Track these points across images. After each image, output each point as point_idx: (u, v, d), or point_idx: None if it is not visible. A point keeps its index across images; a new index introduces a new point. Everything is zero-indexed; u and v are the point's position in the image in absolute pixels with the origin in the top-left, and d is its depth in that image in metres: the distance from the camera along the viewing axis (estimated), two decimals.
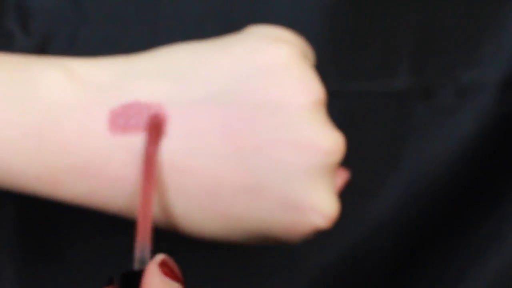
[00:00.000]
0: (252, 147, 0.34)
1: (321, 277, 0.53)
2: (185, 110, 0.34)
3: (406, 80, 0.51)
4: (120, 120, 0.34)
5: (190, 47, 0.36)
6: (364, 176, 0.51)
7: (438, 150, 0.52)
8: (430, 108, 0.52)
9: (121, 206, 0.36)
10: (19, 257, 0.49)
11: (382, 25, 0.50)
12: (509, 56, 0.52)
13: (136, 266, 0.32)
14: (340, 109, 0.50)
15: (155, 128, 0.34)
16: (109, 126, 0.34)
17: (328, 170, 0.35)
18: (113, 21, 0.47)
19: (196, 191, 0.35)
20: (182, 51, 0.36)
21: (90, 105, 0.34)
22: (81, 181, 0.35)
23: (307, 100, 0.34)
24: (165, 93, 0.35)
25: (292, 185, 0.34)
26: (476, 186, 0.53)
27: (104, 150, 0.34)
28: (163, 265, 0.30)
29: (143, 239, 0.32)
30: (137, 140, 0.35)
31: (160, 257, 0.31)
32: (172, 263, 0.31)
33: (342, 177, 0.38)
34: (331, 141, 0.34)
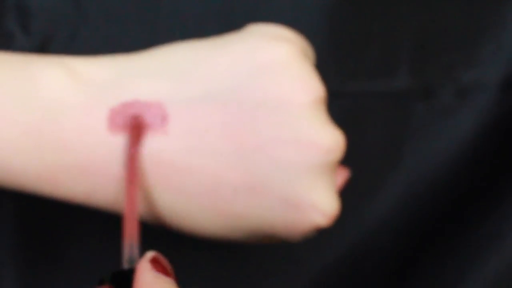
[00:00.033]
0: (253, 146, 0.34)
1: (321, 277, 0.53)
2: (185, 109, 0.34)
3: (406, 80, 0.51)
4: (119, 118, 0.34)
5: (190, 45, 0.36)
6: (364, 176, 0.51)
7: (438, 150, 0.52)
8: (430, 108, 0.52)
9: (121, 205, 0.36)
10: (19, 257, 0.49)
11: (382, 25, 0.50)
12: (509, 56, 0.52)
13: (125, 265, 0.32)
14: (340, 109, 0.50)
15: (136, 129, 0.34)
16: (108, 125, 0.34)
17: (328, 168, 0.35)
18: (113, 21, 0.47)
19: (196, 189, 0.35)
20: (182, 50, 0.36)
21: (90, 104, 0.34)
22: (81, 179, 0.35)
23: (307, 98, 0.34)
24: (165, 92, 0.35)
25: (293, 183, 0.34)
26: (476, 186, 0.53)
27: (104, 149, 0.34)
28: (154, 261, 0.30)
29: (130, 238, 0.32)
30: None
31: (150, 254, 0.31)
32: (162, 259, 0.31)
33: (343, 175, 0.38)
34: (331, 139, 0.34)
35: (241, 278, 0.53)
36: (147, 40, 0.46)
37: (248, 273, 0.53)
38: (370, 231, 0.53)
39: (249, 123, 0.34)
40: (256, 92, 0.34)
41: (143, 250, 0.32)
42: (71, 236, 0.50)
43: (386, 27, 0.50)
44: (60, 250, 0.50)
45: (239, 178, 0.34)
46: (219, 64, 0.35)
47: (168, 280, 0.30)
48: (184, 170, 0.35)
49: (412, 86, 0.51)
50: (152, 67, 0.35)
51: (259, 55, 0.35)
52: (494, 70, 0.52)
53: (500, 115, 0.52)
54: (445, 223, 0.54)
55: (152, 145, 0.34)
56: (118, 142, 0.35)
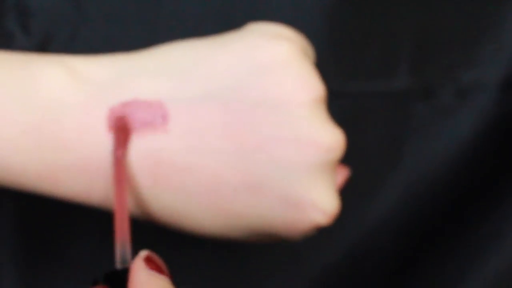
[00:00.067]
0: (253, 145, 0.34)
1: (321, 277, 0.53)
2: (186, 108, 0.34)
3: (406, 80, 0.51)
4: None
5: (190, 44, 0.36)
6: (364, 176, 0.51)
7: (438, 150, 0.52)
8: (430, 108, 0.52)
9: None
10: (19, 256, 0.49)
11: (382, 25, 0.50)
12: (509, 56, 0.52)
13: (118, 265, 0.32)
14: (340, 109, 0.50)
15: (122, 131, 0.34)
16: (108, 124, 0.34)
17: (328, 167, 0.35)
18: (113, 21, 0.47)
19: (196, 189, 0.35)
20: (182, 49, 0.36)
21: (90, 103, 0.34)
22: (81, 178, 0.35)
23: (308, 97, 0.34)
24: (165, 91, 0.35)
25: (293, 182, 0.34)
26: (476, 186, 0.53)
27: (104, 148, 0.34)
28: (148, 260, 0.30)
29: (122, 239, 0.32)
30: (136, 138, 0.35)
31: (144, 252, 0.31)
32: (156, 258, 0.31)
33: (343, 174, 0.38)
34: (331, 138, 0.34)
35: (241, 278, 0.53)
36: (147, 40, 0.46)
37: (248, 273, 0.53)
38: (370, 231, 0.53)
39: (249, 122, 0.34)
40: (256, 91, 0.34)
41: (143, 250, 0.32)
42: (71, 235, 0.50)
43: (386, 27, 0.50)
44: (60, 249, 0.50)
45: (239, 177, 0.34)
46: (219, 63, 0.35)
47: (162, 278, 0.30)
48: (184, 169, 0.35)
49: (412, 86, 0.51)
50: (152, 66, 0.35)
51: (259, 54, 0.35)
52: (494, 70, 0.52)
53: (500, 115, 0.52)
54: (445, 223, 0.54)
55: (152, 144, 0.34)
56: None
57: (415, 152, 0.52)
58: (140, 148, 0.34)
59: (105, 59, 0.36)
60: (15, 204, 0.48)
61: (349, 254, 0.53)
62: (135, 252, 0.31)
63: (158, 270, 0.30)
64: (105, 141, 0.34)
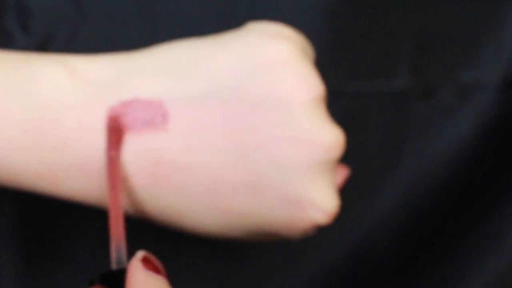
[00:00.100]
0: (253, 144, 0.34)
1: (321, 277, 0.53)
2: (186, 107, 0.34)
3: (406, 80, 0.51)
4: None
5: (190, 43, 0.36)
6: (364, 176, 0.51)
7: (438, 150, 0.52)
8: (430, 108, 0.52)
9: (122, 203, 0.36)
10: (19, 257, 0.49)
11: (382, 25, 0.50)
12: (509, 56, 0.52)
13: (113, 265, 0.32)
14: (340, 109, 0.50)
15: (115, 132, 0.34)
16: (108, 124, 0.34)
17: (328, 166, 0.35)
18: (113, 21, 0.47)
19: (197, 188, 0.35)
20: (182, 48, 0.36)
21: (90, 103, 0.34)
22: (81, 178, 0.35)
23: (307, 96, 0.34)
24: (165, 90, 0.35)
25: (292, 181, 0.34)
26: (476, 186, 0.53)
27: (103, 147, 0.34)
28: (145, 260, 0.30)
29: (117, 240, 0.32)
30: (136, 137, 0.35)
31: (141, 253, 0.31)
32: (153, 258, 0.31)
33: (342, 173, 0.38)
34: (331, 137, 0.34)
35: (241, 278, 0.53)
36: (147, 40, 0.46)
37: (248, 273, 0.53)
38: (370, 231, 0.53)
39: (249, 121, 0.34)
40: (256, 90, 0.34)
41: (139, 250, 0.32)
42: (71, 235, 0.50)
43: (386, 27, 0.50)
44: (60, 249, 0.50)
45: (239, 176, 0.34)
46: (219, 62, 0.35)
47: (160, 278, 0.30)
48: (184, 168, 0.35)
49: (412, 86, 0.51)
50: (152, 65, 0.35)
51: (259, 53, 0.35)
52: (494, 70, 0.52)
53: (500, 115, 0.52)
54: (445, 223, 0.54)
55: (152, 144, 0.34)
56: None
57: (415, 152, 0.52)
58: (140, 147, 0.34)
59: (105, 58, 0.36)
60: (15, 204, 0.48)
61: (349, 254, 0.53)
62: (132, 253, 0.31)
63: (155, 270, 0.30)
64: (103, 140, 0.34)
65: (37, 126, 0.34)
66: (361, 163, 0.50)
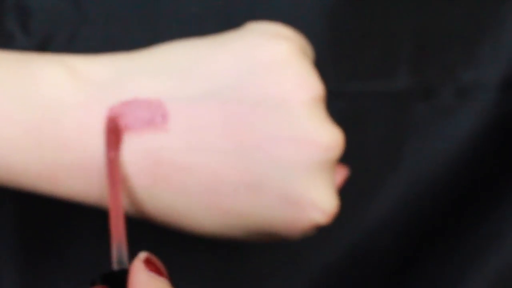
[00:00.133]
0: (252, 144, 0.34)
1: (321, 277, 0.53)
2: (185, 107, 0.34)
3: (406, 80, 0.51)
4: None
5: (190, 43, 0.36)
6: (364, 176, 0.51)
7: (438, 150, 0.52)
8: (430, 108, 0.52)
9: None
10: (19, 256, 0.49)
11: (382, 25, 0.50)
12: (509, 56, 0.52)
13: (114, 266, 0.32)
14: (340, 109, 0.50)
15: (113, 132, 0.34)
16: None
17: (327, 166, 0.35)
18: (113, 21, 0.47)
19: (197, 188, 0.35)
20: (182, 48, 0.36)
21: (90, 103, 0.34)
22: (81, 178, 0.35)
23: (307, 96, 0.34)
24: (165, 90, 0.35)
25: (292, 181, 0.34)
26: (476, 186, 0.53)
27: (103, 147, 0.34)
28: (147, 262, 0.30)
29: (118, 240, 0.32)
30: (136, 137, 0.35)
31: (143, 254, 0.31)
32: (155, 259, 0.31)
33: (342, 173, 0.38)
34: (330, 137, 0.34)
35: (241, 278, 0.53)
36: (147, 40, 0.46)
37: (248, 273, 0.53)
38: (370, 231, 0.53)
39: (248, 121, 0.34)
40: (255, 90, 0.34)
41: (143, 251, 0.32)
42: (71, 235, 0.50)
43: (386, 27, 0.50)
44: (60, 249, 0.50)
45: (239, 176, 0.34)
46: (219, 62, 0.35)
47: (162, 279, 0.30)
48: (184, 168, 0.35)
49: (412, 86, 0.51)
50: (152, 65, 0.35)
51: (259, 53, 0.35)
52: (494, 70, 0.52)
53: (500, 115, 0.52)
54: (445, 223, 0.54)
55: (152, 144, 0.34)
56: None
57: (415, 152, 0.52)
58: (139, 147, 0.34)
59: (105, 58, 0.36)
60: (15, 204, 0.48)
61: (349, 254, 0.53)
62: (133, 253, 0.31)
63: (157, 272, 0.30)
64: (104, 140, 0.34)
65: (37, 126, 0.34)
66: (361, 163, 0.50)
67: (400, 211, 0.52)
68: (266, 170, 0.34)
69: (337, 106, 0.50)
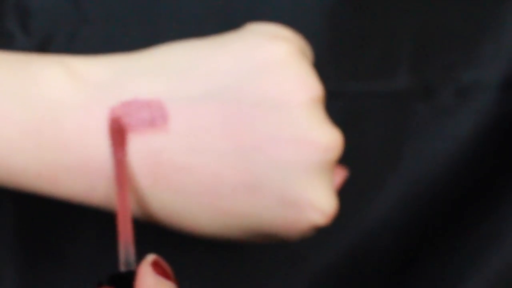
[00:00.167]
0: (251, 144, 0.34)
1: (321, 277, 0.53)
2: (185, 107, 0.34)
3: (406, 80, 0.51)
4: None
5: (190, 44, 0.36)
6: (364, 176, 0.51)
7: (438, 150, 0.52)
8: (430, 108, 0.52)
9: None
10: (19, 257, 0.49)
11: (382, 25, 0.50)
12: (509, 56, 0.52)
13: (122, 268, 0.32)
14: (340, 109, 0.50)
15: (118, 132, 0.34)
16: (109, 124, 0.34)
17: (326, 167, 0.35)
18: (113, 21, 0.47)
19: (196, 188, 0.35)
20: (182, 49, 0.36)
21: (90, 103, 0.34)
22: (81, 179, 0.35)
23: (306, 97, 0.34)
24: (165, 91, 0.35)
25: (291, 182, 0.34)
26: (476, 186, 0.53)
27: (105, 148, 0.34)
28: (155, 265, 0.30)
29: (125, 241, 0.32)
30: (136, 138, 0.35)
31: (151, 257, 0.31)
32: (163, 262, 0.31)
33: (341, 175, 0.38)
34: (329, 138, 0.34)
35: (241, 278, 0.53)
36: (147, 40, 0.46)
37: (248, 273, 0.53)
38: (370, 231, 0.53)
39: (248, 122, 0.34)
40: (255, 91, 0.34)
41: (143, 251, 0.32)
42: (71, 235, 0.50)
43: (386, 27, 0.50)
44: (60, 249, 0.50)
45: (239, 177, 0.34)
46: (218, 63, 0.35)
47: (169, 284, 0.30)
48: (184, 169, 0.35)
49: (412, 86, 0.51)
50: (152, 66, 0.35)
51: (258, 54, 0.35)
52: (494, 70, 0.52)
53: (500, 115, 0.52)
54: (445, 223, 0.54)
55: (152, 144, 0.34)
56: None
57: (415, 152, 0.52)
58: (139, 148, 0.34)
59: (104, 59, 0.36)
60: (14, 204, 0.48)
61: (349, 254, 0.53)
62: (138, 254, 0.31)
63: (165, 275, 0.30)
64: (105, 141, 0.34)
65: (37, 127, 0.34)
66: (361, 163, 0.50)
67: (400, 211, 0.52)
68: (265, 170, 0.34)
69: (337, 106, 0.50)
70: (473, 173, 0.53)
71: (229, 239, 0.37)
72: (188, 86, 0.35)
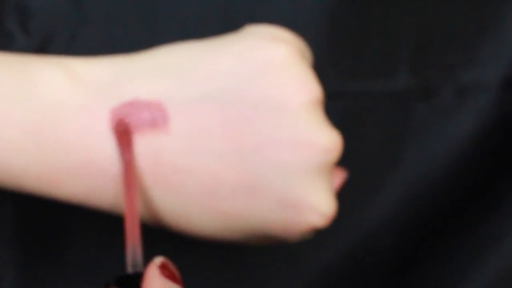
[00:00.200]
0: (251, 146, 0.34)
1: (321, 277, 0.53)
2: (185, 109, 0.34)
3: (406, 80, 0.51)
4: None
5: (190, 46, 0.36)
6: (364, 176, 0.51)
7: (438, 150, 0.52)
8: (430, 108, 0.52)
9: (121, 205, 0.36)
10: (19, 257, 0.49)
11: (382, 25, 0.50)
12: (509, 56, 0.52)
13: (129, 269, 0.32)
14: (339, 109, 0.50)
15: (124, 134, 0.34)
16: (111, 125, 0.34)
17: (325, 168, 0.35)
18: (113, 21, 0.47)
19: (196, 190, 0.35)
20: (182, 50, 0.36)
21: (90, 105, 0.34)
22: (81, 180, 0.35)
23: (305, 99, 0.34)
24: (165, 92, 0.35)
25: (290, 184, 0.34)
26: (476, 186, 0.53)
27: (106, 149, 0.34)
28: (163, 267, 0.30)
29: (132, 242, 0.32)
30: (136, 139, 0.35)
31: (159, 259, 0.31)
32: (171, 265, 0.31)
33: (340, 176, 0.38)
34: (328, 140, 0.34)
35: (241, 278, 0.53)
36: (147, 40, 0.46)
37: (248, 273, 0.53)
38: (370, 231, 0.53)
39: (247, 123, 0.34)
40: (254, 92, 0.34)
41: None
42: (71, 236, 0.50)
43: (386, 27, 0.50)
44: (59, 250, 0.50)
45: (238, 178, 0.34)
46: (218, 64, 0.35)
47: (176, 287, 0.30)
48: (184, 170, 0.35)
49: (412, 86, 0.51)
50: (152, 68, 0.35)
51: (258, 56, 0.35)
52: (494, 70, 0.52)
53: (500, 115, 0.52)
54: (445, 223, 0.54)
55: (152, 146, 0.34)
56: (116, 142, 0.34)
57: (415, 152, 0.52)
58: (140, 148, 0.34)
59: (104, 60, 0.36)
60: (14, 205, 0.48)
61: (349, 254, 0.53)
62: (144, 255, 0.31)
63: (172, 278, 0.30)
64: (106, 142, 0.34)
65: (37, 128, 0.34)
66: (361, 163, 0.50)
67: (400, 211, 0.52)
68: (264, 172, 0.34)
69: (337, 106, 0.50)
70: (473, 173, 0.53)
71: (228, 241, 0.37)
72: (188, 88, 0.35)
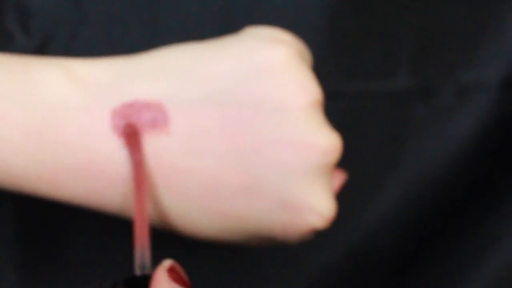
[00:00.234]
0: (251, 147, 0.34)
1: (321, 277, 0.53)
2: (185, 110, 0.34)
3: (406, 80, 0.51)
4: (121, 120, 0.34)
5: (190, 47, 0.36)
6: (364, 176, 0.51)
7: (438, 150, 0.52)
8: (430, 108, 0.52)
9: (121, 206, 0.36)
10: (19, 257, 0.49)
11: (382, 25, 0.50)
12: (509, 56, 0.52)
13: (137, 271, 0.32)
14: (339, 109, 0.50)
15: (132, 135, 0.34)
16: (113, 126, 0.34)
17: (325, 170, 0.35)
18: (113, 21, 0.47)
19: (196, 191, 0.35)
20: (182, 51, 0.36)
21: (90, 106, 0.34)
22: (82, 181, 0.35)
23: (305, 100, 0.34)
24: (165, 93, 0.35)
25: (290, 185, 0.34)
26: (476, 186, 0.53)
27: (106, 150, 0.34)
28: (171, 270, 0.30)
29: (141, 244, 0.32)
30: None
31: (168, 262, 0.31)
32: (179, 268, 0.31)
33: (340, 178, 0.38)
34: (328, 141, 0.34)
35: (241, 278, 0.53)
36: (147, 41, 0.46)
37: (248, 274, 0.53)
38: (370, 231, 0.53)
39: (247, 124, 0.34)
40: (254, 94, 0.34)
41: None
42: (71, 236, 0.50)
43: (386, 27, 0.50)
44: (60, 250, 0.50)
45: (238, 179, 0.34)
46: (218, 66, 0.35)
47: None
48: (184, 171, 0.35)
49: (412, 86, 0.51)
50: (152, 69, 0.35)
51: (258, 57, 0.35)
52: (494, 70, 0.52)
53: (500, 115, 0.52)
54: (445, 223, 0.54)
55: (153, 146, 0.34)
56: (119, 143, 0.35)
57: (415, 152, 0.52)
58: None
59: (104, 61, 0.36)
60: (14, 205, 0.48)
61: (349, 254, 0.53)
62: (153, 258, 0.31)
63: (181, 281, 0.30)
64: (106, 143, 0.34)
65: (37, 129, 0.34)
66: (361, 163, 0.50)
67: (400, 211, 0.52)
68: (264, 173, 0.34)
69: (337, 106, 0.50)
70: (473, 173, 0.53)
71: (229, 242, 0.37)
72: (188, 89, 0.35)
